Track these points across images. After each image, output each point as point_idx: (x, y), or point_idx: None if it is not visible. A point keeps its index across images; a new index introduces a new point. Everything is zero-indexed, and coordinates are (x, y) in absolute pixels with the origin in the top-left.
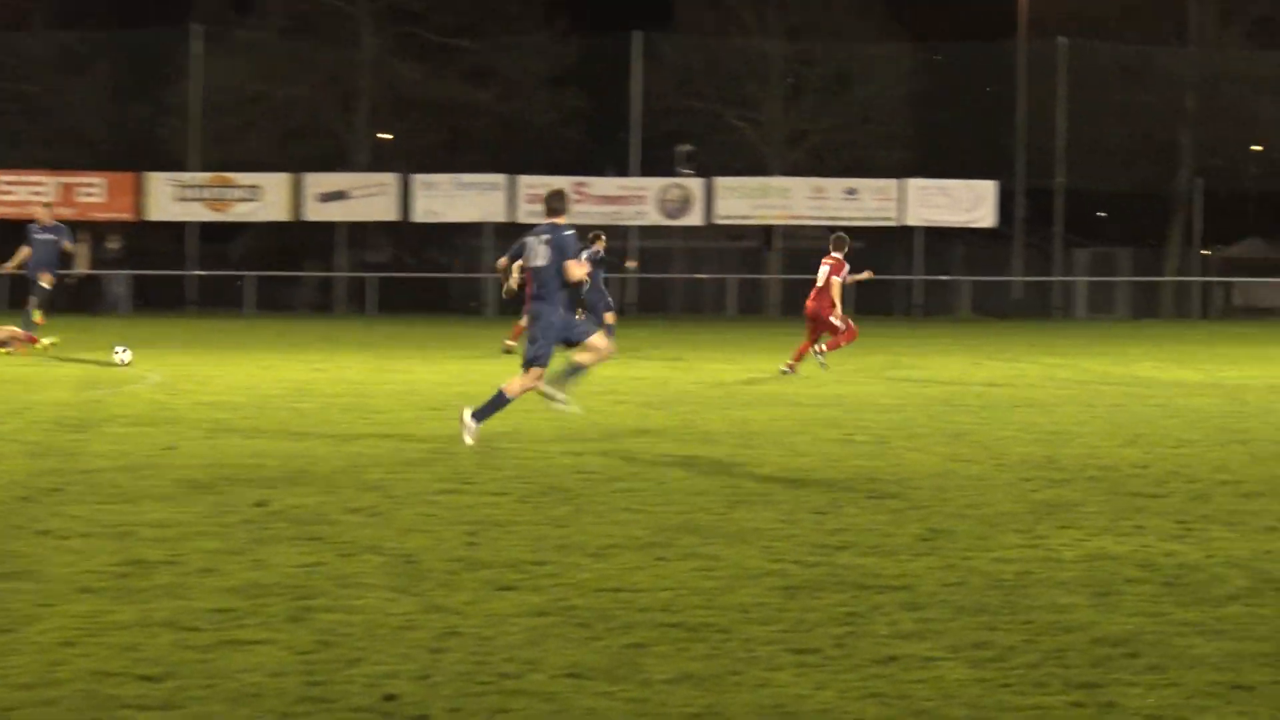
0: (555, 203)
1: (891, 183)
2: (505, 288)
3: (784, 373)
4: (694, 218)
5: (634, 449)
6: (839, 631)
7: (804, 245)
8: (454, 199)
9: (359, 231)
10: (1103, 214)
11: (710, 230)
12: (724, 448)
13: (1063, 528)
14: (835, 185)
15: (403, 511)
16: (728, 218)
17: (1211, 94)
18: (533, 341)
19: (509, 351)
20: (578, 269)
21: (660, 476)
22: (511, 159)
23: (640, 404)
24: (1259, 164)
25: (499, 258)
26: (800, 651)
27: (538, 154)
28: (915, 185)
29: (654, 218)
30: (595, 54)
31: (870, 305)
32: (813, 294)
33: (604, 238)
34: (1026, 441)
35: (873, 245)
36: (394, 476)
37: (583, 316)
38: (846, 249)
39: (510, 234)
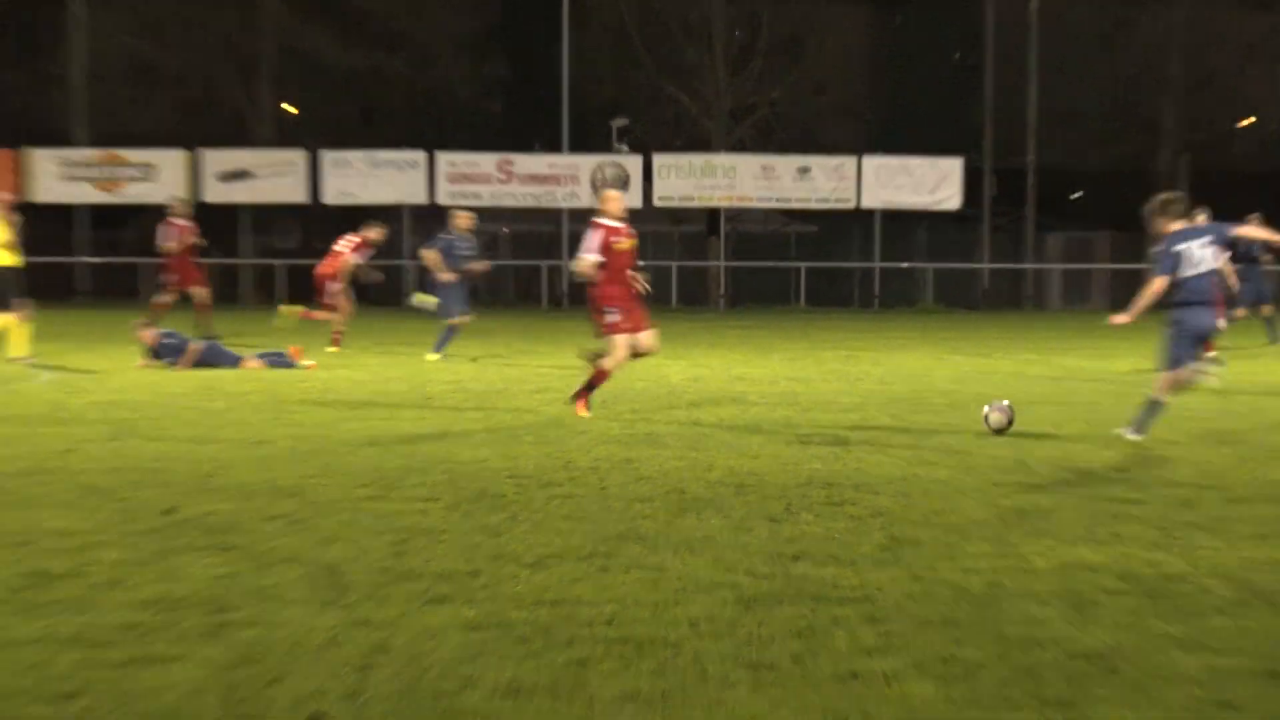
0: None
1: (848, 160)
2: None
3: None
4: (631, 199)
5: (573, 452)
6: (796, 646)
7: (752, 229)
8: (368, 179)
9: (265, 214)
10: (1079, 194)
11: (649, 213)
12: (670, 450)
13: (1035, 536)
14: (786, 163)
15: (323, 519)
16: (668, 199)
17: (1198, 62)
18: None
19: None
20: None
21: (601, 481)
22: (430, 134)
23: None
24: (1250, 141)
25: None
26: (755, 667)
27: (459, 128)
28: (874, 163)
29: (587, 199)
30: (518, 15)
31: (825, 295)
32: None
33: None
34: (996, 443)
35: (827, 230)
36: (312, 481)
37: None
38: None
39: (430, 218)
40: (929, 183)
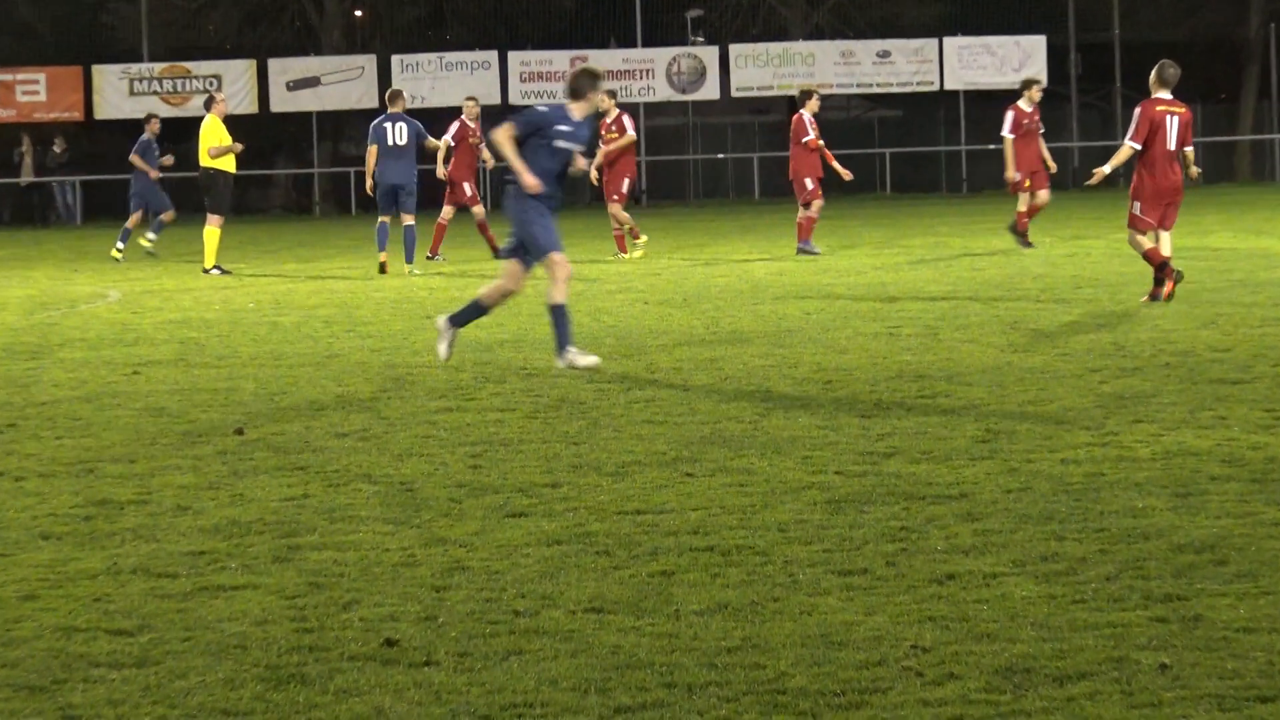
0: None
1: (929, 42)
2: None
3: None
4: (709, 91)
5: (654, 354)
6: (890, 549)
7: (833, 116)
8: (439, 81)
9: (335, 122)
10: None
11: (728, 104)
12: (755, 348)
13: (1136, 422)
14: (866, 48)
15: (397, 434)
16: (747, 89)
17: None
18: None
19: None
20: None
21: (684, 383)
22: (501, 33)
23: (659, 302)
24: None
25: None
26: (847, 573)
27: (531, 26)
28: (955, 44)
29: (664, 93)
30: None
31: (911, 181)
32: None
33: None
34: (1091, 327)
35: (911, 114)
36: (385, 395)
37: None
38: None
39: (501, 118)
40: (1013, 61)
